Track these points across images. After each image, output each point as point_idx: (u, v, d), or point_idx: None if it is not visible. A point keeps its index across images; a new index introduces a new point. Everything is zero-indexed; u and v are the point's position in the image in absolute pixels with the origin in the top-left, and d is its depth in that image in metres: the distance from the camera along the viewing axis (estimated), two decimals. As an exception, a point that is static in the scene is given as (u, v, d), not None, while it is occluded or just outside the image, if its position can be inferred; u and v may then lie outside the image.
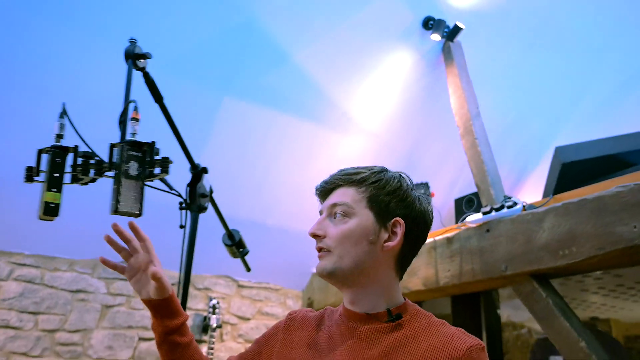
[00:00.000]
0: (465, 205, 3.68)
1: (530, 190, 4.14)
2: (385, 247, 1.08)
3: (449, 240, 2.87)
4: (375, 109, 3.54)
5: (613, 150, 2.99)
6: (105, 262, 1.17)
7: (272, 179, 3.51)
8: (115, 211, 1.13)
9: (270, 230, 3.63)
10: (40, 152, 1.22)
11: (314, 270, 4.15)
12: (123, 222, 1.16)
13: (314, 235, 1.09)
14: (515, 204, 2.60)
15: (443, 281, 2.84)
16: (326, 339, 1.11)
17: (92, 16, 2.61)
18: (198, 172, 1.76)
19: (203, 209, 1.83)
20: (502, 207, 2.64)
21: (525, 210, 2.55)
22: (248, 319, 3.97)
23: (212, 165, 1.94)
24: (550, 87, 3.81)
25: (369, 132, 3.60)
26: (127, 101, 1.30)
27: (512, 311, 3.71)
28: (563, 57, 3.70)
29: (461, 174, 3.98)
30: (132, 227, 1.16)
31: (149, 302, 1.15)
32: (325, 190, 1.14)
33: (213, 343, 3.38)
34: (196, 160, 1.74)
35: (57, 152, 1.18)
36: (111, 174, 1.20)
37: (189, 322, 3.67)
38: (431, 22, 3.30)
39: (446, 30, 3.33)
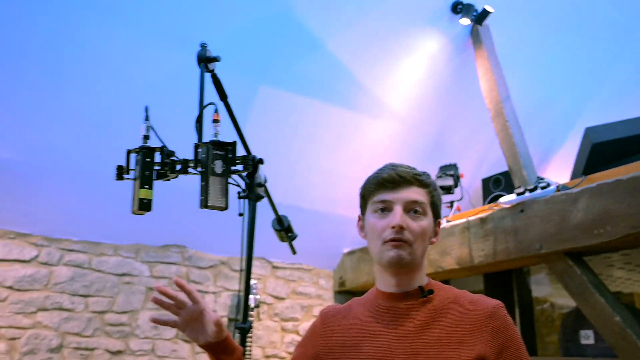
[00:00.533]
0: (493, 185, 3.77)
1: (557, 169, 4.20)
2: (431, 243, 1.25)
3: (483, 220, 2.96)
4: (405, 93, 3.62)
5: (645, 129, 3.04)
6: (156, 321, 1.23)
7: (305, 163, 3.61)
8: (205, 206, 1.24)
9: (303, 212, 3.74)
10: (129, 152, 1.33)
11: (345, 251, 4.29)
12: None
13: (401, 227, 1.17)
14: (548, 185, 2.68)
15: (477, 260, 2.94)
16: (367, 321, 1.22)
17: (133, 12, 2.70)
18: (255, 163, 1.86)
19: (260, 197, 1.94)
20: (535, 188, 2.73)
21: (559, 191, 2.63)
22: (283, 299, 4.11)
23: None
24: (577, 68, 3.85)
25: (398, 115, 3.68)
26: (201, 103, 1.40)
27: (535, 286, 3.81)
28: (589, 38, 3.74)
29: (488, 154, 4.06)
30: (178, 284, 1.22)
31: (208, 346, 1.23)
32: (396, 182, 1.20)
33: (251, 322, 3.52)
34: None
35: (147, 153, 1.29)
36: (195, 171, 1.30)
37: (228, 302, 3.82)
38: (460, 6, 3.35)
39: (475, 13, 3.38)
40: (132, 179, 1.32)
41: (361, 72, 3.40)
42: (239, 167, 1.30)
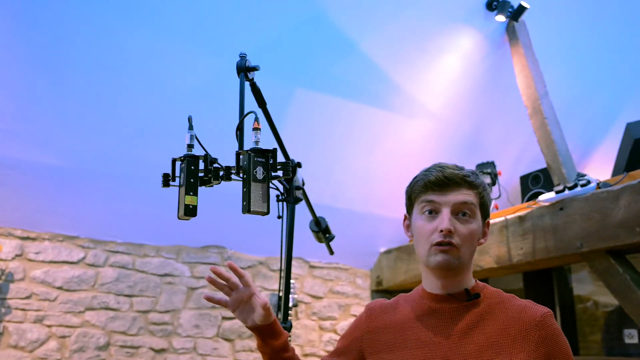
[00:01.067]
0: (532, 182, 3.72)
1: (598, 165, 4.12)
2: (480, 243, 1.24)
3: (521, 218, 2.94)
4: (440, 91, 3.61)
5: (687, 124, 2.97)
6: (209, 299, 1.26)
7: (340, 164, 3.65)
8: (248, 211, 1.28)
9: (339, 212, 3.78)
10: (174, 160, 1.39)
11: (382, 250, 4.31)
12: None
13: (449, 231, 1.16)
14: (588, 182, 2.65)
15: (516, 259, 2.92)
16: (412, 321, 1.23)
17: (173, 20, 2.79)
18: (293, 167, 1.90)
19: (298, 200, 1.98)
20: (575, 185, 2.69)
21: (599, 188, 2.60)
22: (321, 298, 4.16)
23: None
24: (616, 61, 3.77)
25: (433, 114, 3.67)
26: (241, 112, 1.45)
27: (577, 284, 3.75)
28: (628, 30, 3.66)
29: (526, 151, 4.00)
30: (231, 267, 1.26)
31: (256, 328, 1.26)
32: (444, 184, 1.20)
33: (291, 322, 3.58)
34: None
35: (192, 161, 1.35)
36: (237, 177, 1.35)
37: (271, 301, 3.89)
38: (495, 3, 3.33)
39: (510, 10, 3.34)
40: (177, 186, 1.37)
41: (395, 72, 3.41)
42: (279, 172, 1.33)
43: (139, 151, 3.12)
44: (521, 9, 3.34)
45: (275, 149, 1.33)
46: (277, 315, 3.98)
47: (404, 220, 1.32)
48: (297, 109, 3.28)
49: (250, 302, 1.26)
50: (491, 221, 3.08)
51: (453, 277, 1.19)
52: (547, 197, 2.82)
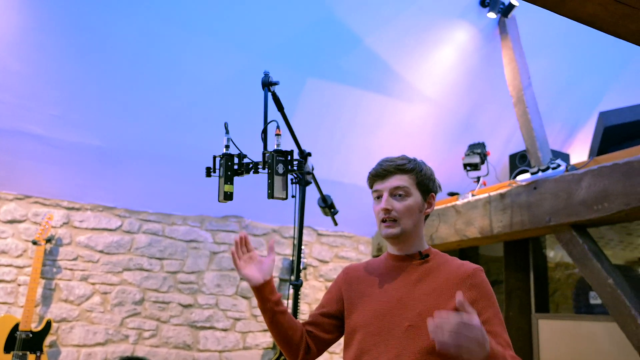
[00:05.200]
0: (519, 160, 4.13)
1: (579, 147, 4.52)
2: (424, 213, 1.60)
3: (502, 195, 3.38)
4: (437, 79, 4.00)
5: (652, 114, 3.36)
6: (232, 253, 1.59)
7: (346, 144, 4.08)
8: (272, 197, 1.73)
9: (345, 187, 4.23)
10: (214, 157, 1.83)
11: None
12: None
13: (386, 210, 1.53)
14: (559, 165, 3.07)
15: (497, 230, 3.37)
16: (378, 275, 1.64)
17: (206, 21, 3.20)
18: (305, 156, 2.34)
19: (308, 182, 2.42)
20: (547, 168, 3.12)
21: (567, 171, 3.02)
22: (327, 262, 4.65)
23: (297, 134, 2.39)
24: (598, 53, 4.12)
25: (430, 99, 4.08)
26: (265, 119, 1.88)
27: (564, 253, 4.19)
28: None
29: (516, 132, 4.41)
30: (243, 238, 1.61)
31: (259, 287, 1.54)
32: (382, 175, 1.57)
33: (302, 281, 4.08)
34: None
35: (229, 158, 1.79)
36: (263, 171, 1.79)
37: (280, 265, 4.37)
38: (487, 0, 3.68)
39: (501, 7, 3.70)
40: (217, 177, 1.82)
41: (396, 62, 3.80)
42: (295, 167, 1.78)
43: (170, 135, 3.57)
44: (511, 6, 3.69)
45: (292, 151, 1.78)
46: (290, 276, 4.46)
47: None
48: (309, 96, 3.70)
49: (256, 265, 1.60)
50: (477, 197, 3.53)
51: (404, 242, 1.59)
52: (524, 177, 3.25)
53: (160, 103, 3.42)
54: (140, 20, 3.09)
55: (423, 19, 3.67)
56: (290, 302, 2.39)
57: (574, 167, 3.03)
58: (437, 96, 4.09)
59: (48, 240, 3.61)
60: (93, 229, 3.82)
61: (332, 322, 1.67)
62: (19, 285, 3.57)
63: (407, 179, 1.57)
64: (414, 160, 1.62)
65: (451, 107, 4.17)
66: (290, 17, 3.34)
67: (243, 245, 1.61)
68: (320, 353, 1.68)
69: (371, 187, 1.63)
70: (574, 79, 4.32)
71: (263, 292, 1.57)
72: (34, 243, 3.47)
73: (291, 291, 2.41)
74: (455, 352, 1.23)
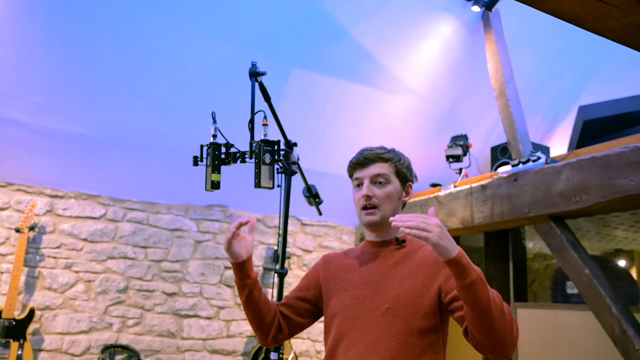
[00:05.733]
0: (500, 152, 4.19)
1: (560, 140, 4.61)
2: (403, 201, 1.67)
3: (483, 187, 3.44)
4: (421, 71, 4.04)
5: (629, 108, 3.44)
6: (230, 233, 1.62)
7: (330, 134, 4.11)
8: (258, 186, 1.76)
9: (328, 177, 4.26)
10: (202, 146, 1.85)
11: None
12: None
13: (367, 196, 1.57)
14: (539, 158, 3.13)
15: (477, 221, 3.44)
16: (356, 261, 1.69)
17: (189, 10, 3.19)
18: (290, 146, 2.37)
19: (294, 172, 2.45)
20: (528, 160, 3.18)
21: (547, 164, 3.09)
22: (310, 251, 4.69)
23: (282, 125, 2.45)
24: (580, 48, 4.20)
25: (415, 91, 4.12)
26: (252, 109, 1.90)
27: (543, 244, 4.29)
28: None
29: (498, 124, 4.48)
30: (240, 225, 1.62)
31: (240, 263, 1.62)
32: (363, 163, 1.62)
33: (287, 269, 4.12)
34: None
35: (216, 147, 1.81)
36: (250, 160, 1.82)
37: (264, 254, 4.40)
38: (471, -7, 3.73)
39: (485, 0, 3.75)
40: (204, 166, 1.84)
41: (381, 54, 3.83)
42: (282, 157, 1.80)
43: (154, 123, 3.57)
44: (494, 0, 3.74)
45: (279, 141, 1.80)
46: (274, 265, 4.49)
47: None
48: (294, 86, 3.72)
49: (240, 243, 1.63)
50: (459, 188, 3.59)
51: (382, 229, 1.63)
52: (504, 169, 3.31)
53: (145, 91, 3.41)
54: (123, 8, 3.08)
55: (408, 11, 3.70)
56: (275, 290, 2.42)
57: (554, 160, 3.10)
58: (421, 88, 4.13)
59: (31, 228, 3.60)
60: (77, 217, 3.81)
61: (307, 306, 1.72)
62: (2, 273, 3.56)
63: (387, 167, 1.63)
64: (393, 150, 1.68)
65: (435, 99, 4.22)
66: (276, 6, 3.35)
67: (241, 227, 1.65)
68: (291, 335, 1.73)
69: (351, 176, 1.68)
70: (555, 73, 4.40)
71: (245, 268, 1.62)
72: (17, 231, 3.46)
73: (276, 279, 2.44)
74: (419, 235, 1.27)
